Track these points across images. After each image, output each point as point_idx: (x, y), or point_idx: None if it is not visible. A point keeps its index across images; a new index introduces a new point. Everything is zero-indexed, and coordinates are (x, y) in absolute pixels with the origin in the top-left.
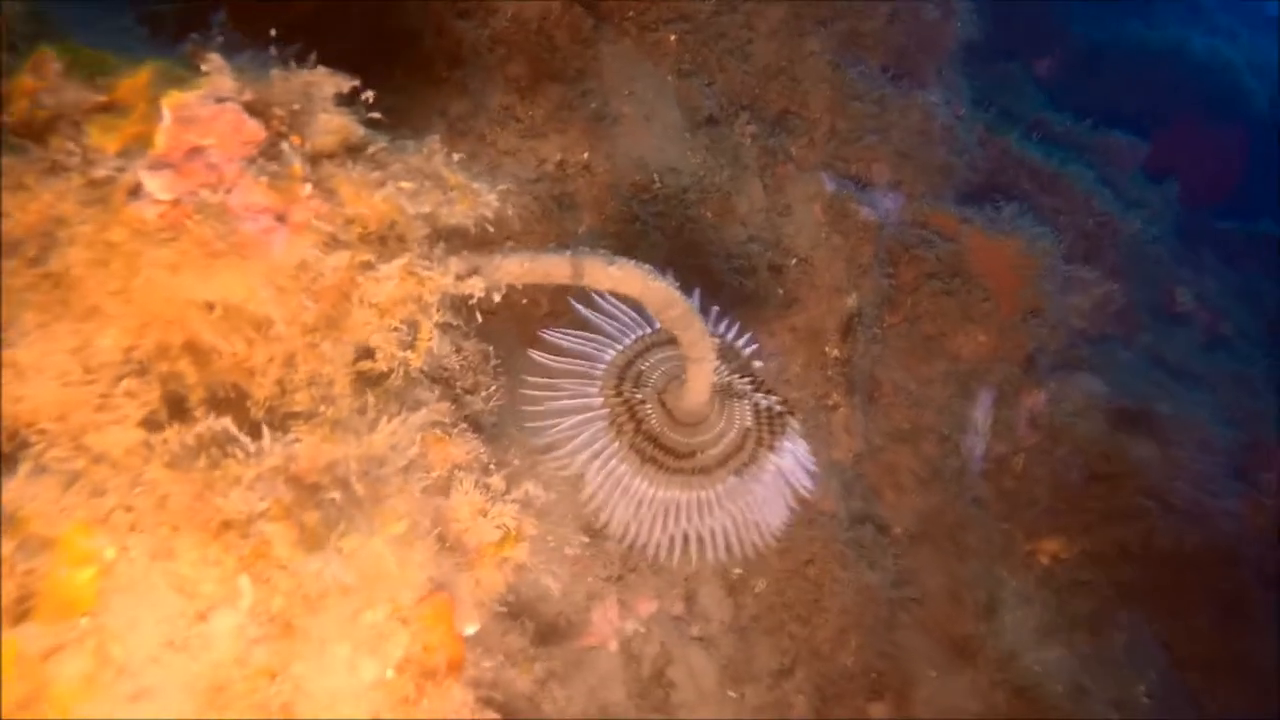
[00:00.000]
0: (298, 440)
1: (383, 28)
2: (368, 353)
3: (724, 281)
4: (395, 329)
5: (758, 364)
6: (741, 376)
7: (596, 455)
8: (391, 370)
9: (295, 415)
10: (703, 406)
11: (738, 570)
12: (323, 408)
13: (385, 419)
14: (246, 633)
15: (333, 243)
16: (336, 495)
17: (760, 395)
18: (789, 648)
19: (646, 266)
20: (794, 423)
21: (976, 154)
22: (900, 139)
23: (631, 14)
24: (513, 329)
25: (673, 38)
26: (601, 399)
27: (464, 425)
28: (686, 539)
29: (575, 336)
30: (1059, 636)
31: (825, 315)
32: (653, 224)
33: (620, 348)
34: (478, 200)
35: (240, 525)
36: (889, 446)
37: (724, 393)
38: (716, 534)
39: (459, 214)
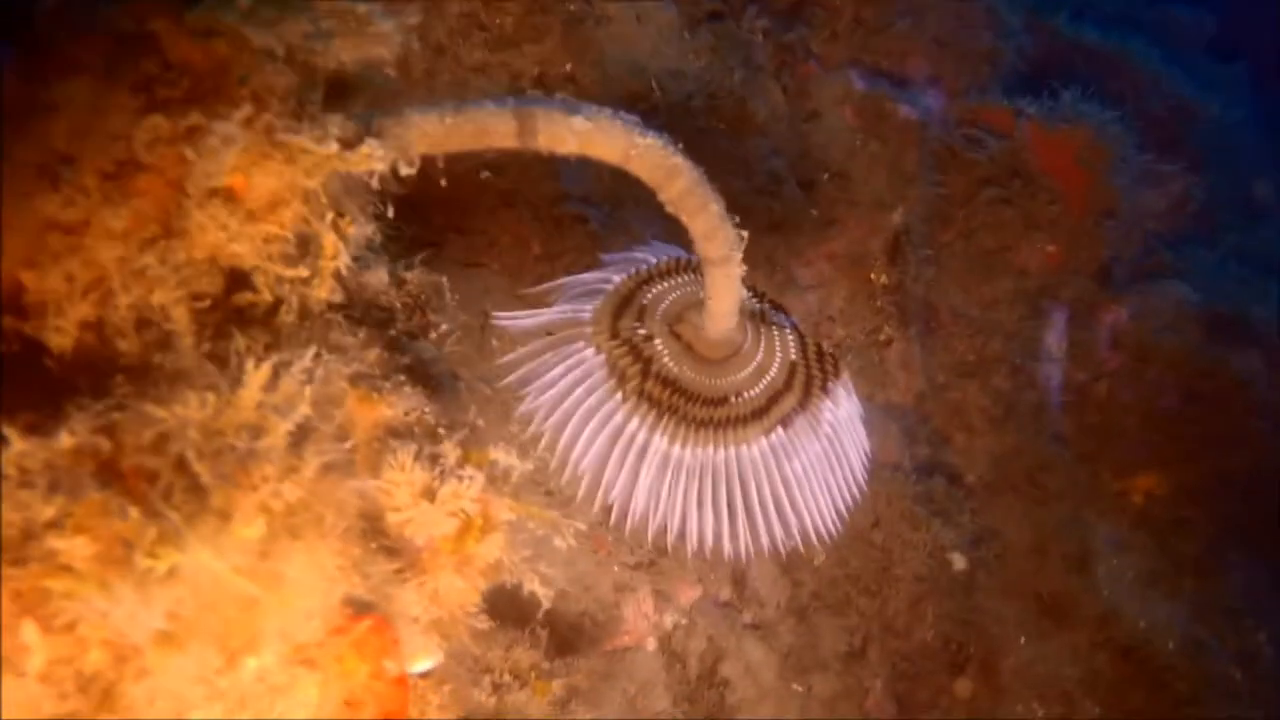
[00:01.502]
0: (117, 407)
1: None
2: (242, 280)
3: (748, 205)
4: (273, 240)
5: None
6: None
7: (591, 414)
8: (279, 303)
9: (115, 372)
10: (731, 333)
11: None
12: (157, 356)
13: (255, 366)
14: (38, 709)
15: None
16: (173, 483)
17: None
18: (858, 626)
19: (631, 118)
20: (846, 371)
21: (1024, 39)
22: (936, 25)
23: None
24: (491, 271)
25: None
26: (592, 348)
27: (402, 378)
28: (731, 516)
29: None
30: (1164, 585)
31: (868, 237)
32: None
33: (613, 284)
34: (365, 32)
35: (15, 544)
36: (954, 383)
37: (757, 319)
38: (768, 508)
39: (340, 53)
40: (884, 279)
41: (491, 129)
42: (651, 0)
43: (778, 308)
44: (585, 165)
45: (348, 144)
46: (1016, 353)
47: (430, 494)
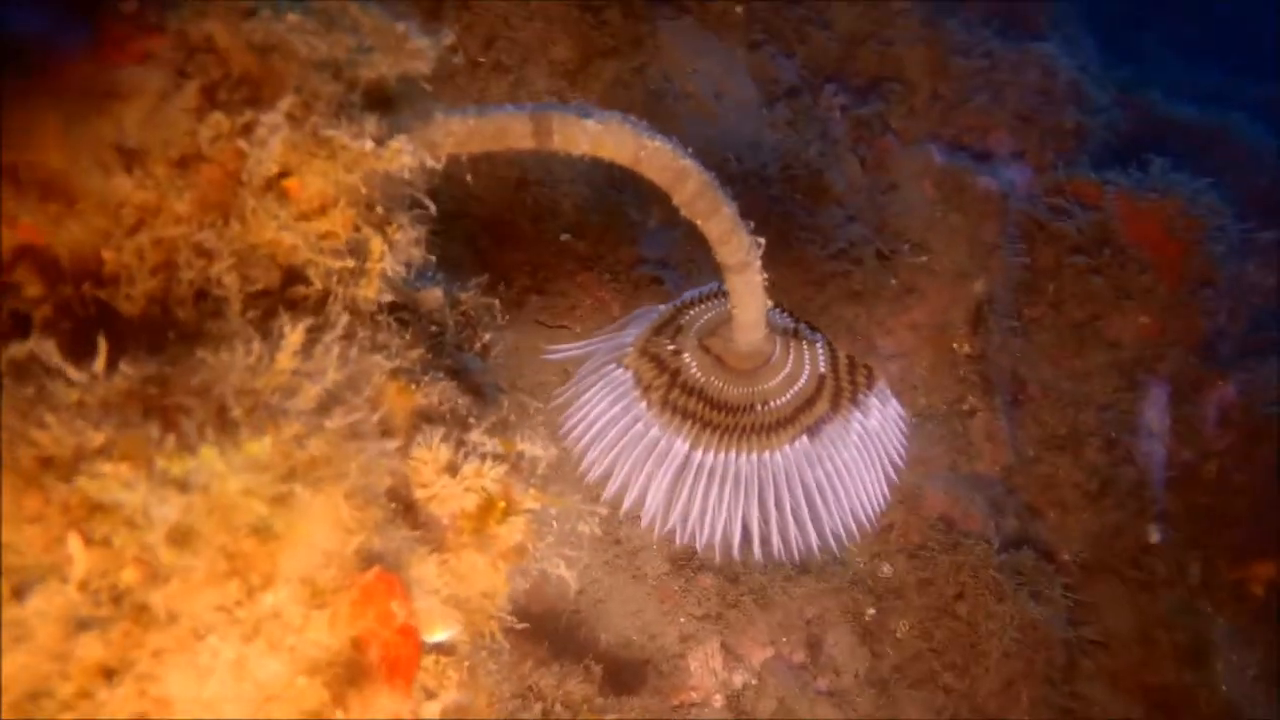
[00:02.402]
0: (169, 363)
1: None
2: (297, 276)
3: (826, 272)
4: (325, 237)
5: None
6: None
7: (614, 422)
8: (329, 295)
9: (168, 329)
10: (759, 343)
11: (871, 611)
12: (209, 323)
13: (294, 333)
14: (76, 613)
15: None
16: (206, 421)
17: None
18: (944, 704)
19: (641, 123)
20: (882, 378)
21: (1114, 114)
22: (1018, 100)
23: None
24: (573, 333)
25: (738, 9)
26: (622, 367)
27: (440, 375)
28: (751, 522)
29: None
30: None
31: (949, 306)
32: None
33: (658, 312)
34: (403, 48)
35: (67, 464)
36: (1044, 456)
37: (791, 335)
38: (790, 513)
39: (380, 67)
40: (967, 348)
41: (510, 130)
42: (732, 78)
43: (814, 330)
44: (662, 231)
45: (379, 140)
46: (1111, 426)
47: (453, 469)
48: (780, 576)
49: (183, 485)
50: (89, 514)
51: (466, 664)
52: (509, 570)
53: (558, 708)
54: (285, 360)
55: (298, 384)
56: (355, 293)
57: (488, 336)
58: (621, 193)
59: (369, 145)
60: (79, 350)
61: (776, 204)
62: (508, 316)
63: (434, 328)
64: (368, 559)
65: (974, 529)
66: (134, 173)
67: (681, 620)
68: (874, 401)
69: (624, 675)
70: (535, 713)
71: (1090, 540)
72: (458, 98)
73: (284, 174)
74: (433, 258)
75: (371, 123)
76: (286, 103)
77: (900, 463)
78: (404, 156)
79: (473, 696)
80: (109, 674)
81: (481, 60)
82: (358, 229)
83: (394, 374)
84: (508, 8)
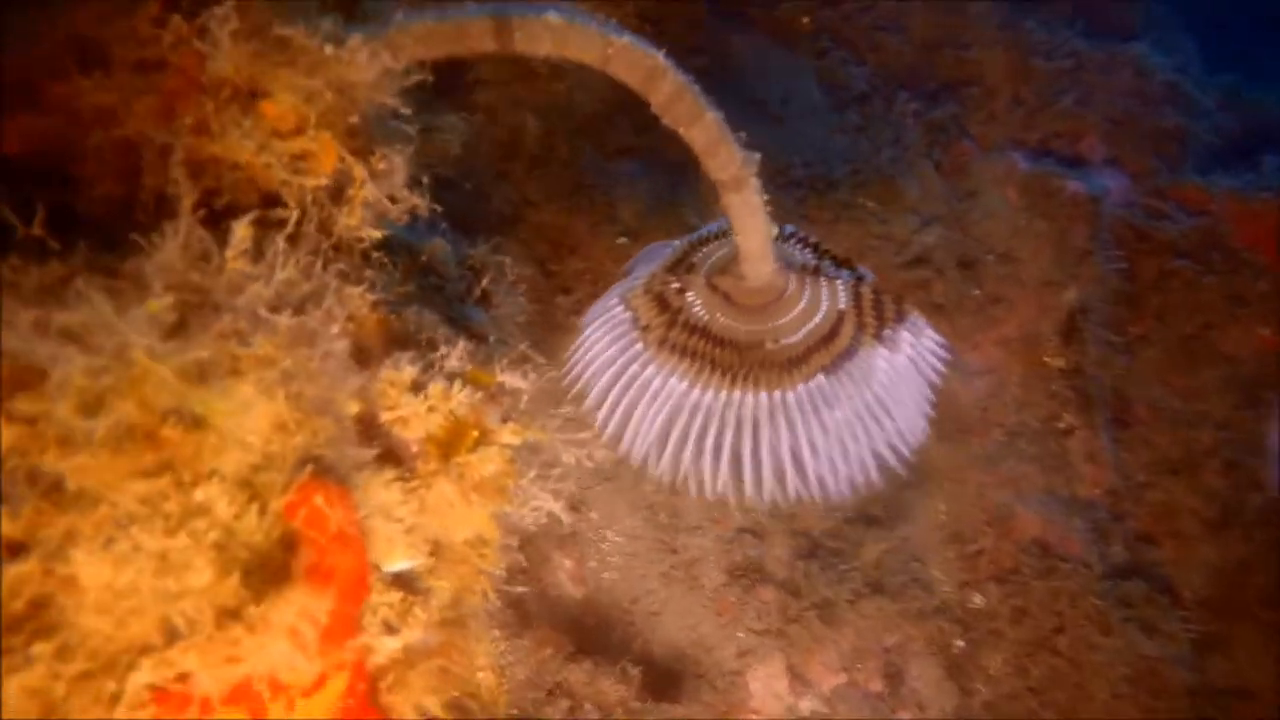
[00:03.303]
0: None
1: None
2: (274, 199)
3: (903, 282)
4: (302, 160)
5: (867, 275)
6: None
7: (610, 363)
8: (301, 215)
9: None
10: (768, 277)
11: (959, 642)
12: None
13: (242, 229)
14: None
15: None
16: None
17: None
18: None
19: (610, 23)
20: (916, 312)
21: (1219, 117)
22: (1108, 103)
23: (758, 3)
24: None
25: (806, 19)
26: (621, 305)
27: (429, 311)
28: (762, 467)
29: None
30: None
31: (1039, 317)
32: (797, 214)
33: (672, 248)
34: None
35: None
36: (1156, 481)
37: (809, 271)
38: (804, 453)
39: None
40: (1060, 361)
41: (470, 30)
42: (799, 85)
43: (846, 264)
44: None
45: (337, 40)
46: (1231, 448)
47: (418, 389)
48: (848, 591)
49: (77, 339)
50: (12, 390)
51: (445, 611)
52: (490, 511)
53: (587, 707)
54: (232, 257)
55: (244, 283)
56: (337, 219)
57: (485, 282)
58: (679, 195)
59: (327, 47)
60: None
61: (846, 210)
62: (523, 284)
63: (434, 278)
64: (315, 471)
65: (1073, 554)
66: (93, 74)
67: (740, 635)
68: (904, 335)
69: (669, 684)
70: (561, 709)
71: (1214, 575)
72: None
73: (255, 93)
74: (438, 208)
75: (328, 22)
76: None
77: (930, 395)
78: (361, 55)
79: (460, 651)
80: (15, 549)
81: (541, 70)
82: (341, 159)
83: (375, 305)
84: None
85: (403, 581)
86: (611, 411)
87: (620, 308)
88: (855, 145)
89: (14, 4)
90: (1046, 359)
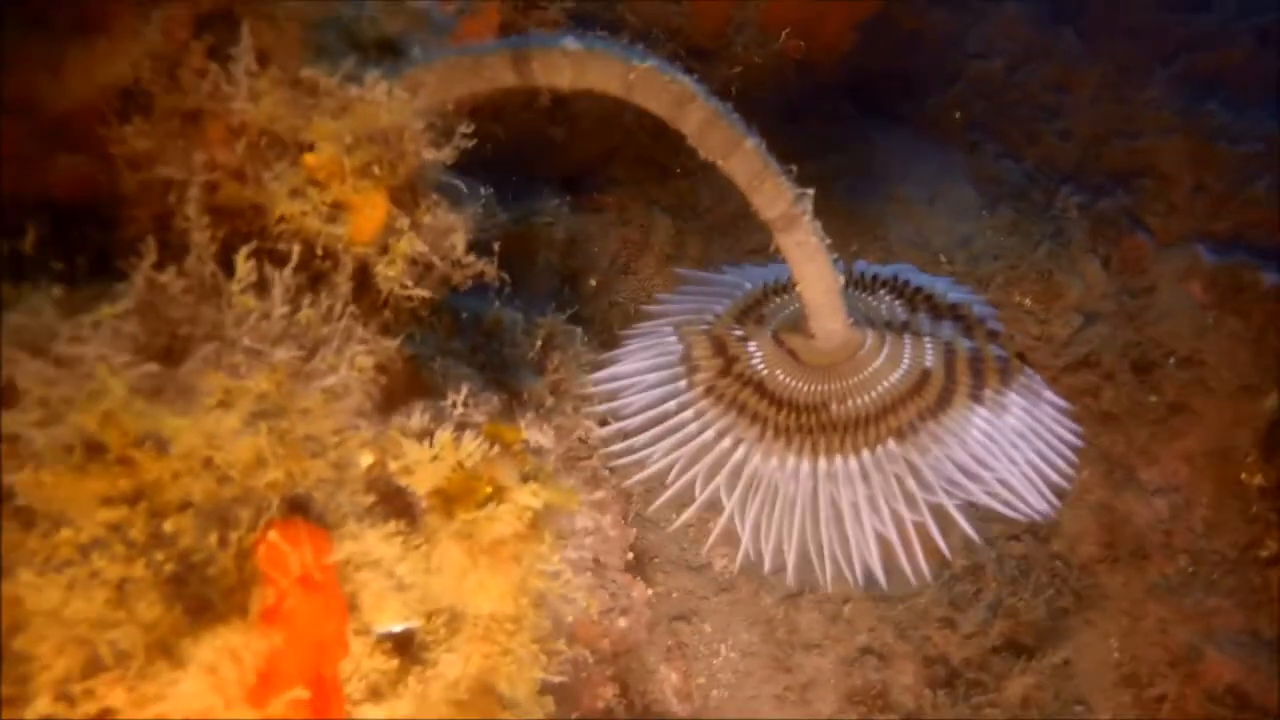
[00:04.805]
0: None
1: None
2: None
3: (1065, 385)
4: (338, 209)
5: (995, 325)
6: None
7: (651, 390)
8: (334, 263)
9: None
10: (839, 334)
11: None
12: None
13: (242, 265)
14: None
15: None
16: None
17: (964, 333)
18: None
19: (635, 49)
20: (1029, 371)
21: None
22: None
23: (904, 97)
24: None
25: (956, 114)
26: (676, 335)
27: (468, 369)
28: (807, 542)
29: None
30: None
31: (1232, 428)
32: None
33: (744, 290)
34: (402, 8)
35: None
36: None
37: (899, 329)
38: (866, 531)
39: (384, 28)
40: (1259, 479)
41: (488, 64)
42: (948, 181)
43: (955, 314)
44: None
45: (356, 79)
46: None
47: (425, 436)
48: None
49: (28, 346)
50: None
51: (456, 691)
52: (511, 581)
53: None
54: (238, 292)
55: (250, 319)
56: (377, 269)
57: (549, 348)
58: None
59: (350, 87)
60: None
61: (997, 309)
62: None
63: (495, 342)
64: (289, 511)
65: (1268, 704)
66: (133, 120)
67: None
68: (1012, 398)
69: None
70: None
71: None
72: (644, 200)
73: (298, 143)
74: (506, 276)
75: (348, 63)
76: (250, 40)
77: (1068, 467)
78: (378, 91)
79: None
80: None
81: (674, 170)
82: (389, 213)
83: (410, 359)
84: None
85: (401, 646)
86: (639, 440)
87: (673, 337)
88: (1009, 241)
89: (65, 49)
90: (1243, 476)
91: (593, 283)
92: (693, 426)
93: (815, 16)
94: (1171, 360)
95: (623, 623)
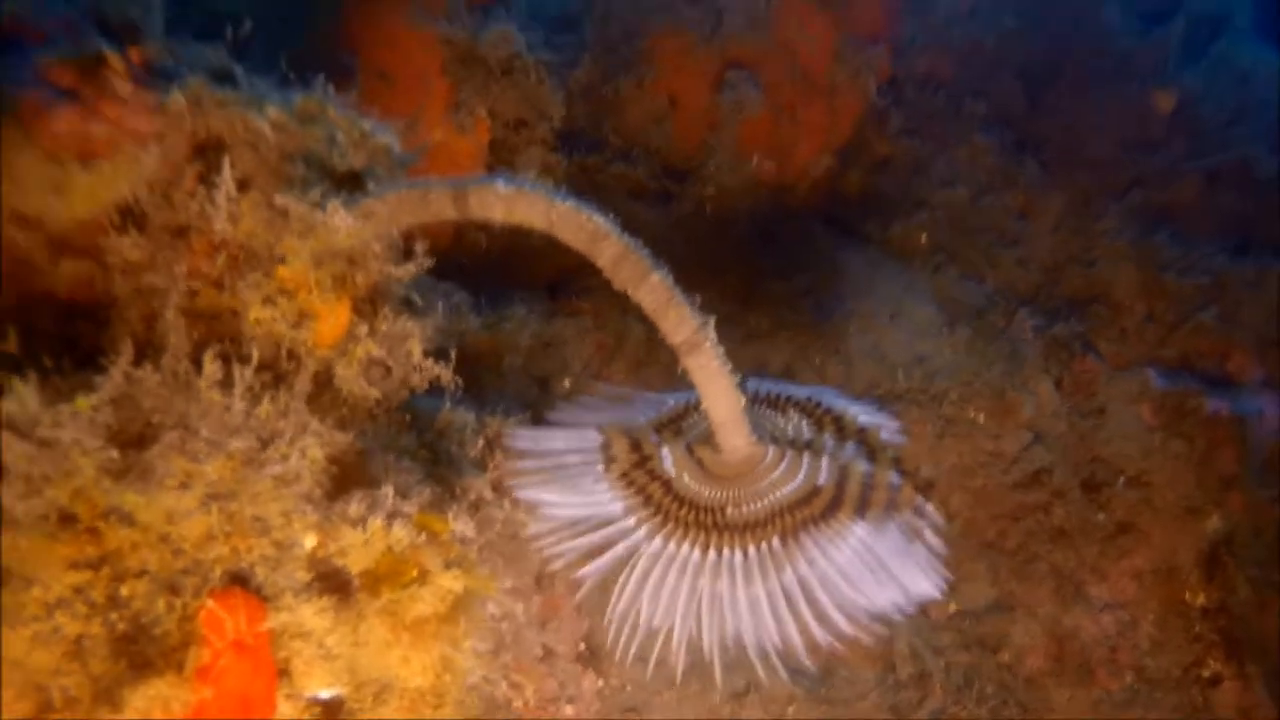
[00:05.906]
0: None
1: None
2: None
3: (1015, 505)
4: (304, 317)
5: (895, 439)
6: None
7: (568, 470)
8: (282, 353)
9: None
10: (742, 448)
11: None
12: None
13: (209, 364)
14: None
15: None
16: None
17: (867, 459)
18: None
19: (550, 187)
20: (921, 503)
21: None
22: (1256, 319)
23: (873, 220)
24: None
25: (923, 237)
26: (597, 429)
27: (413, 464)
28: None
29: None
30: None
31: (1176, 548)
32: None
33: (669, 405)
34: (366, 143)
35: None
36: None
37: (801, 448)
38: (742, 615)
39: (352, 162)
40: (1201, 599)
41: (432, 199)
42: (911, 300)
43: (859, 438)
44: None
45: (319, 205)
46: None
47: (359, 523)
48: None
49: (16, 429)
50: None
51: None
52: (432, 656)
53: None
54: (205, 388)
55: (214, 411)
56: (337, 369)
57: (481, 445)
58: None
59: (314, 212)
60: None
61: (951, 425)
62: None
63: (446, 441)
64: (230, 582)
65: None
66: (129, 233)
67: None
68: (895, 517)
69: None
70: None
71: None
72: (619, 314)
73: (274, 256)
74: (459, 380)
75: (315, 192)
76: (231, 171)
77: (932, 589)
78: (337, 218)
79: None
80: None
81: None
82: (351, 320)
83: (360, 453)
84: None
85: (330, 713)
86: (546, 501)
87: (594, 431)
88: (965, 359)
89: (72, 176)
90: (1187, 596)
91: (566, 384)
92: (604, 496)
93: (789, 142)
94: (1120, 480)
95: (569, 711)
